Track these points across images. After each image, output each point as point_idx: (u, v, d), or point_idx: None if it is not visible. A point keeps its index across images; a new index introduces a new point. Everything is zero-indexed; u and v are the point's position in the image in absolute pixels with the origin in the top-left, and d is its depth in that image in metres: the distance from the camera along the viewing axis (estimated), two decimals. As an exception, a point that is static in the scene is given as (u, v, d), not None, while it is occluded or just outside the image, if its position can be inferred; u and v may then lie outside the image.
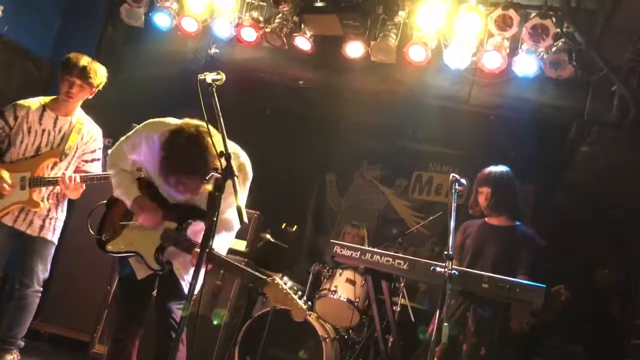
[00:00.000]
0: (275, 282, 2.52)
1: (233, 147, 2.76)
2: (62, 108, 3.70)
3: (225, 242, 2.78)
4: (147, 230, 2.78)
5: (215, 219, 2.21)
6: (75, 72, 3.59)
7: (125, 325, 2.82)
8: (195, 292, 2.26)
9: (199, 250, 2.53)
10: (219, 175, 2.33)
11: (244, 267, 2.64)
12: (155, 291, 2.90)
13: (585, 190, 5.04)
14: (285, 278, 2.54)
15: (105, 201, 3.03)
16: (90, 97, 3.76)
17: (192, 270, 2.75)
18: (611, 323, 4.76)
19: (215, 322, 2.41)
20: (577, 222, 4.97)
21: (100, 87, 3.74)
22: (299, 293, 2.54)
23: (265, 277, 2.54)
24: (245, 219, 2.19)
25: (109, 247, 2.85)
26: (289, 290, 2.53)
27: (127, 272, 2.83)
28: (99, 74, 3.68)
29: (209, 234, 2.24)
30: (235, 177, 2.28)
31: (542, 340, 4.58)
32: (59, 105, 3.70)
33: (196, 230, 2.78)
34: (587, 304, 4.72)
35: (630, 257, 4.54)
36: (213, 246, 2.40)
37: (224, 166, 2.30)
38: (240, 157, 2.80)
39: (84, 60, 3.62)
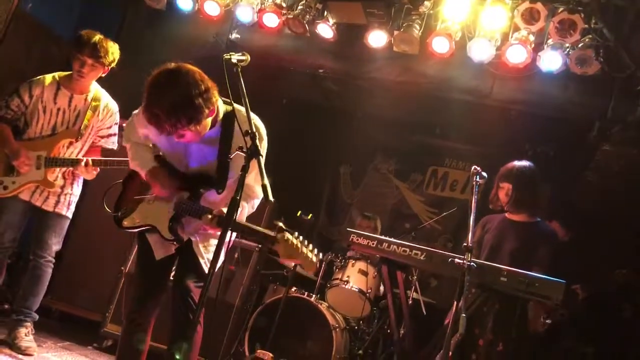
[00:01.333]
0: (285, 237, 2.46)
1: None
2: (76, 86, 3.66)
3: (243, 212, 2.73)
4: (161, 202, 2.76)
5: (238, 197, 2.19)
6: (86, 50, 3.54)
7: (140, 304, 2.80)
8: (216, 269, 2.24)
9: (210, 216, 2.54)
10: (242, 154, 2.31)
11: (254, 227, 2.56)
12: (173, 273, 2.88)
13: (604, 189, 4.98)
14: (296, 233, 2.47)
15: (120, 180, 3.02)
16: (104, 75, 3.71)
17: (212, 248, 2.75)
18: (623, 325, 4.70)
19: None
20: (595, 221, 4.91)
21: (113, 65, 3.67)
22: (310, 246, 2.47)
23: (275, 234, 2.49)
24: (271, 197, 2.17)
25: (125, 223, 2.84)
26: (299, 244, 2.47)
27: (145, 250, 2.81)
28: (111, 52, 3.61)
29: (233, 206, 2.21)
30: (261, 157, 2.26)
31: (554, 340, 4.54)
32: (72, 84, 3.66)
33: (209, 200, 2.75)
34: (601, 305, 4.67)
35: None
36: (225, 211, 2.35)
37: (248, 145, 2.29)
38: (253, 120, 2.75)
39: (96, 38, 3.55)
